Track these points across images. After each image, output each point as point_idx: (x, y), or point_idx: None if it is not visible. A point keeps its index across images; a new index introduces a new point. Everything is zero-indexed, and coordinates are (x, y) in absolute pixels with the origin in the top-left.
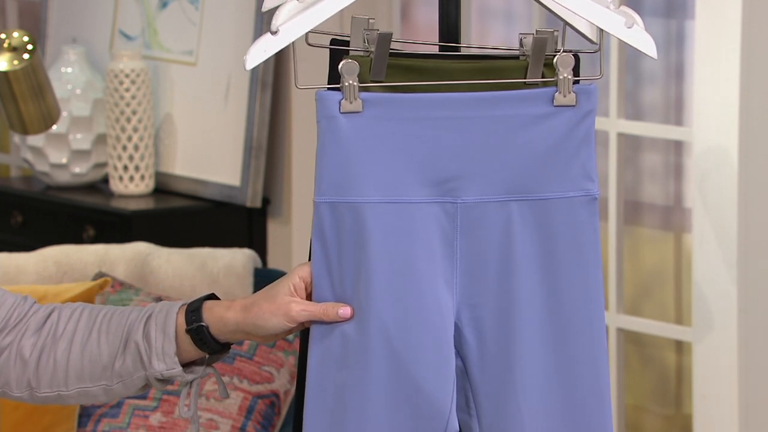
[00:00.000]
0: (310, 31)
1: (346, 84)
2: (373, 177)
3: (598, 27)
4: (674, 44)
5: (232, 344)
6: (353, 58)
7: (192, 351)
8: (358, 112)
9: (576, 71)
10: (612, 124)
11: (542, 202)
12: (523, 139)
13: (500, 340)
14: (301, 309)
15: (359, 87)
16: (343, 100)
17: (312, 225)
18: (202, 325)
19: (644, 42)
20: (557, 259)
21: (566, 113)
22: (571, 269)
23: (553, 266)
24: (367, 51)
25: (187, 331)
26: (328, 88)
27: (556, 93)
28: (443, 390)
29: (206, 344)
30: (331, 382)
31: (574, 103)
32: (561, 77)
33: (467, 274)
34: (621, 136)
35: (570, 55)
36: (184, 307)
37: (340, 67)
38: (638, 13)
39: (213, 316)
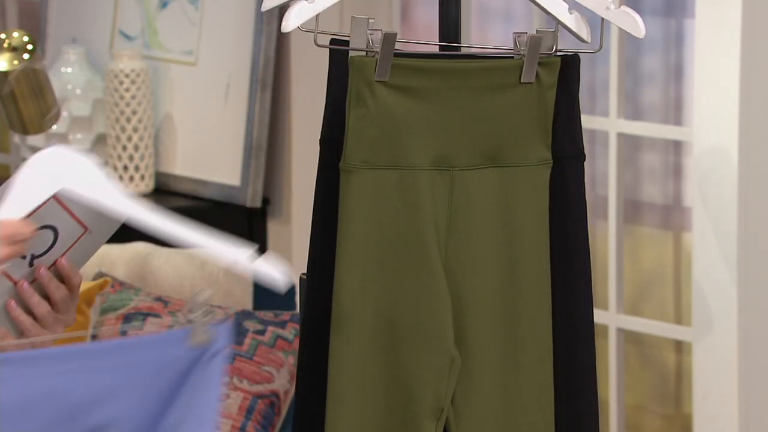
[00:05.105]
0: (318, 32)
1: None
2: None
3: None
4: (674, 44)
5: None
6: (360, 60)
7: None
8: None
9: (576, 72)
10: (612, 124)
11: None
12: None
13: None
14: None
15: None
16: None
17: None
18: None
19: (629, 21)
20: None
21: (200, 355)
22: None
23: None
24: (368, 51)
25: None
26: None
27: (190, 333)
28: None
29: None
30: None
31: (208, 343)
32: (191, 318)
33: None
34: (621, 136)
35: (199, 296)
36: None
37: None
38: (638, 13)
39: None
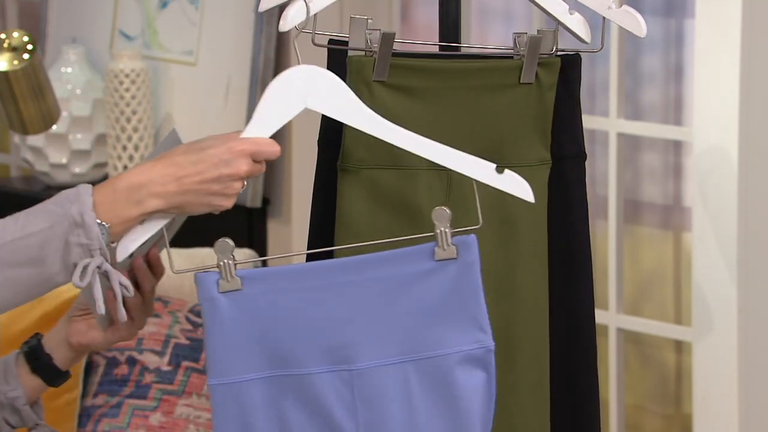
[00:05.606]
0: (316, 33)
1: (222, 263)
2: (263, 353)
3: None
4: (674, 44)
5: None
6: (358, 59)
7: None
8: (238, 290)
9: (577, 71)
10: (612, 124)
11: (437, 359)
12: (408, 297)
13: None
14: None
15: (235, 264)
16: (221, 280)
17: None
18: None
19: (630, 20)
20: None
21: (450, 266)
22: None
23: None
24: (367, 51)
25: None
26: (206, 270)
27: (436, 247)
28: None
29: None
30: None
31: (455, 256)
32: (439, 230)
33: None
34: (621, 136)
35: (444, 209)
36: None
37: (214, 247)
38: (638, 12)
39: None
